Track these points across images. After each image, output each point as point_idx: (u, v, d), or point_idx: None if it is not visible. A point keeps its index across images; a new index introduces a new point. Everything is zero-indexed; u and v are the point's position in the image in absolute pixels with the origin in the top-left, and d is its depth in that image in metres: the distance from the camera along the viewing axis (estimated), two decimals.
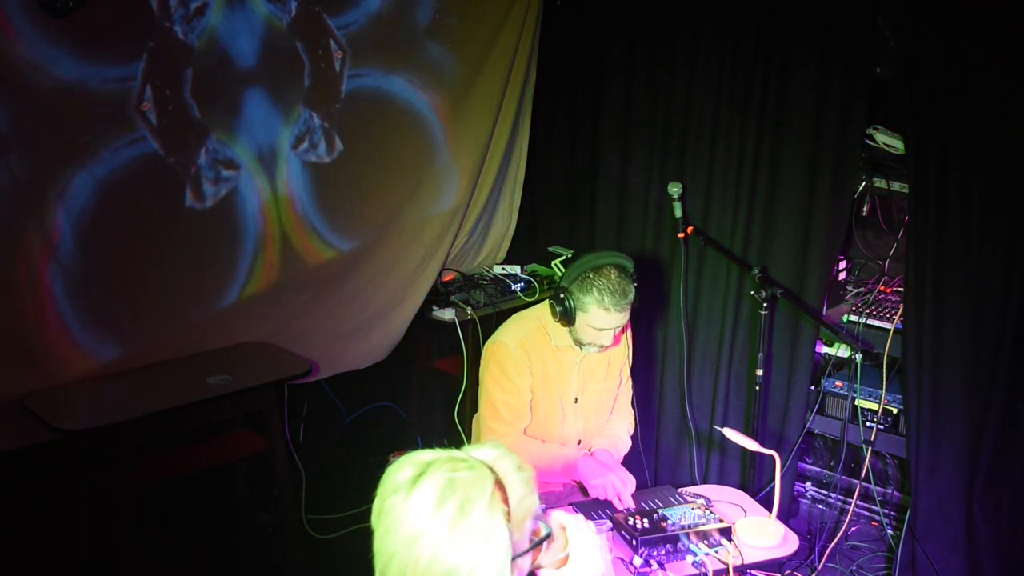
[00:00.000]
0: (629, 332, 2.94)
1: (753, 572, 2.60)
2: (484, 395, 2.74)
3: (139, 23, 3.04)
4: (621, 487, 2.54)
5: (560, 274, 2.71)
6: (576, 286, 2.60)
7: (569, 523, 1.65)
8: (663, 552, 2.28)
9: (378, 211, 3.84)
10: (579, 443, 2.82)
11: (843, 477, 3.48)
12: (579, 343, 2.70)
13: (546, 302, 2.75)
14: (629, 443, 2.91)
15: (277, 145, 3.48)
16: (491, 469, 1.41)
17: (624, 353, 2.89)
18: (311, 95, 3.50)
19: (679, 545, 2.29)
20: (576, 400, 2.79)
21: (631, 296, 2.60)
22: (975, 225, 2.88)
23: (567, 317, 2.64)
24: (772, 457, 2.47)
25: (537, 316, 2.77)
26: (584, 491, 2.69)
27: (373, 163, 3.79)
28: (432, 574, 1.33)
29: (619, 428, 2.91)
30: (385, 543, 1.37)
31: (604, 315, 2.58)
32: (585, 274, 2.60)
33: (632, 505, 2.54)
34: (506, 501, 1.39)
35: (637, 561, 2.24)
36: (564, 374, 2.76)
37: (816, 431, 3.48)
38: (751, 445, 2.53)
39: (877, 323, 3.24)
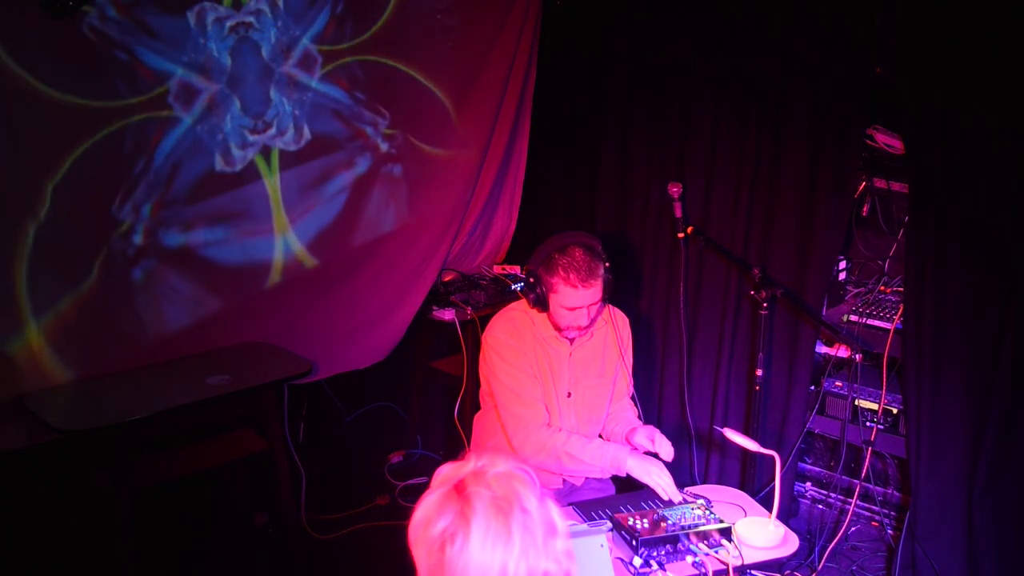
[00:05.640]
0: (628, 332, 2.94)
1: (753, 572, 2.60)
2: (498, 388, 2.74)
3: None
4: (668, 480, 2.55)
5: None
6: (543, 269, 2.62)
7: None
8: (663, 552, 2.28)
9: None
10: None
11: (843, 477, 3.48)
12: (559, 329, 2.71)
13: None
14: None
15: (272, 143, 3.51)
16: (516, 466, 1.40)
17: (617, 350, 2.89)
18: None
19: (679, 545, 2.29)
20: (569, 395, 2.80)
21: (599, 271, 2.61)
22: (975, 225, 2.88)
23: (540, 302, 2.65)
24: (772, 457, 2.47)
25: (522, 308, 2.79)
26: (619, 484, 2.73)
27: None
28: None
29: (634, 417, 2.93)
30: None
31: (573, 293, 2.60)
32: (550, 256, 2.62)
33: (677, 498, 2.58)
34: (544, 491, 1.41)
35: (637, 561, 2.24)
36: (555, 367, 2.77)
37: (816, 431, 3.48)
38: (751, 445, 2.53)
39: (877, 323, 3.24)
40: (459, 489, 1.35)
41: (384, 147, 3.86)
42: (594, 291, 2.62)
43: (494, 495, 1.33)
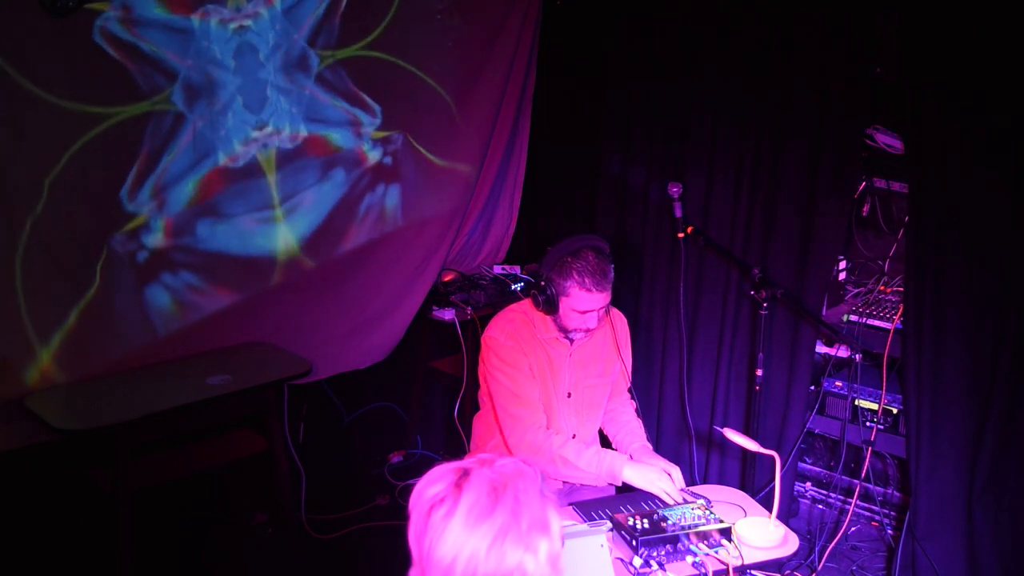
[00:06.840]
0: (626, 331, 2.95)
1: (753, 572, 2.60)
2: (496, 389, 2.74)
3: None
4: (669, 484, 2.55)
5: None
6: (556, 272, 2.63)
7: None
8: (663, 552, 2.28)
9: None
10: (573, 437, 2.82)
11: (843, 477, 3.48)
12: (564, 331, 2.71)
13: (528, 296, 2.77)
14: (640, 421, 2.96)
15: (271, 142, 3.52)
16: (527, 465, 1.41)
17: (614, 349, 2.89)
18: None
19: (679, 545, 2.29)
20: (569, 395, 2.80)
21: (611, 275, 2.64)
22: (975, 225, 2.88)
23: (550, 305, 2.65)
24: (772, 457, 2.47)
25: (521, 310, 2.79)
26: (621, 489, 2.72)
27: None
28: (502, 571, 1.31)
29: (632, 416, 2.94)
30: (439, 554, 1.33)
31: (587, 296, 2.61)
32: (563, 259, 2.62)
33: (683, 484, 2.60)
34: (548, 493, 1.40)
35: (637, 562, 2.24)
36: (555, 368, 2.77)
37: (816, 431, 3.48)
38: (751, 446, 2.53)
39: (877, 323, 3.24)
40: (464, 468, 1.40)
41: (384, 147, 3.86)
42: (606, 294, 2.64)
43: (493, 477, 1.36)
